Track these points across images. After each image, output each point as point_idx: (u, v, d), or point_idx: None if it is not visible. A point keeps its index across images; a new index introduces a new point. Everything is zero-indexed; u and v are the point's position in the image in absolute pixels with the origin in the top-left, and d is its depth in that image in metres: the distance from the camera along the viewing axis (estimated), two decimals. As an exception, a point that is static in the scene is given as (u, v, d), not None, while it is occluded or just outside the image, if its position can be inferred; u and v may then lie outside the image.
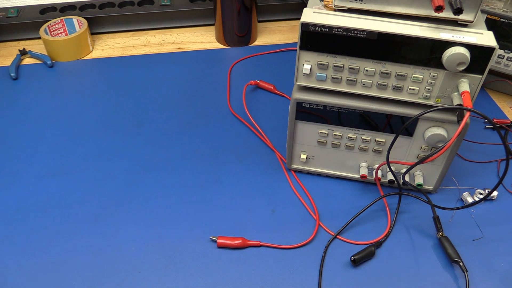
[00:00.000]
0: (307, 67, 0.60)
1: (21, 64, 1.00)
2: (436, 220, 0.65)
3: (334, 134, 0.68)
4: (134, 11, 1.08)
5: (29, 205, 0.70)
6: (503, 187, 0.73)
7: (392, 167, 0.65)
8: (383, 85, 0.60)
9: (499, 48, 0.84)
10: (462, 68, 0.55)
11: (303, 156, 0.71)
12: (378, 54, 0.57)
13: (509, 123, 0.83)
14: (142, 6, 1.10)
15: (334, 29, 0.56)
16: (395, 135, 0.60)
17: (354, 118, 0.65)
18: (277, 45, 1.05)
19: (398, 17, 0.57)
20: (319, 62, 0.59)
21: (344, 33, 0.56)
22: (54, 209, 0.69)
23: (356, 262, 0.62)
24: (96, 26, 1.08)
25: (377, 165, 0.69)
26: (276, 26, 1.13)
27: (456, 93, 0.58)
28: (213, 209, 0.69)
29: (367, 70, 0.59)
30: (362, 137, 0.67)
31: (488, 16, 0.82)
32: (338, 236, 0.66)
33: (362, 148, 0.68)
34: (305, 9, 0.59)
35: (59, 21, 1.01)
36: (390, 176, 0.68)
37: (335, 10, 0.59)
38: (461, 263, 0.60)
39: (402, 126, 0.61)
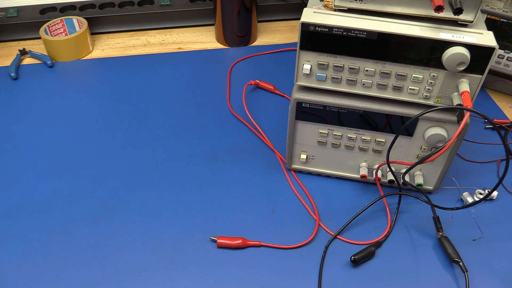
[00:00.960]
0: (307, 67, 0.60)
1: (21, 64, 1.00)
2: (436, 220, 0.65)
3: (334, 134, 0.68)
4: (134, 11, 1.08)
5: (29, 205, 0.70)
6: (503, 187, 0.73)
7: (392, 167, 0.65)
8: (383, 85, 0.60)
9: (499, 48, 0.84)
10: (462, 68, 0.55)
11: (303, 156, 0.71)
12: (378, 54, 0.57)
13: (509, 123, 0.83)
14: (142, 6, 1.10)
15: (334, 29, 0.56)
16: (395, 135, 0.60)
17: (354, 118, 0.65)
18: (277, 45, 1.05)
19: (398, 17, 0.57)
20: (319, 62, 0.59)
21: (344, 33, 0.56)
22: (54, 209, 0.69)
23: (356, 262, 0.62)
24: (96, 26, 1.08)
25: (377, 165, 0.69)
26: (276, 26, 1.13)
27: (456, 93, 0.58)
28: (213, 209, 0.69)
29: (367, 70, 0.59)
30: (362, 137, 0.67)
31: (488, 16, 0.82)
32: (338, 236, 0.66)
33: (362, 148, 0.68)
34: (305, 9, 0.59)
35: (59, 21, 1.01)
36: (390, 176, 0.68)
37: (335, 10, 0.59)
38: (461, 263, 0.60)
39: (402, 126, 0.61)
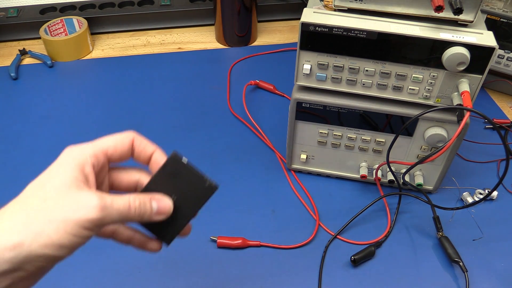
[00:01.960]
0: (307, 67, 0.60)
1: (21, 64, 1.00)
2: (436, 220, 0.65)
3: (334, 134, 0.68)
4: (134, 11, 1.08)
5: (29, 205, 0.70)
6: (503, 187, 0.73)
7: (392, 167, 0.65)
8: (383, 85, 0.60)
9: (499, 48, 0.84)
10: (462, 68, 0.55)
11: (303, 156, 0.71)
12: (378, 54, 0.57)
13: (509, 123, 0.83)
14: (142, 6, 1.10)
15: (334, 29, 0.56)
16: (395, 135, 0.60)
17: (354, 118, 0.65)
18: (277, 45, 1.05)
19: (398, 17, 0.57)
20: (319, 62, 0.59)
21: (344, 33, 0.56)
22: (54, 209, 0.69)
23: (356, 262, 0.62)
24: (96, 26, 1.08)
25: (377, 165, 0.69)
26: (276, 26, 1.13)
27: (456, 93, 0.58)
28: (213, 209, 0.69)
29: (367, 70, 0.59)
30: (362, 137, 0.67)
31: (488, 16, 0.82)
32: (338, 236, 0.66)
33: (362, 148, 0.68)
34: (305, 9, 0.59)
35: (59, 21, 1.01)
36: (390, 176, 0.68)
37: (335, 10, 0.59)
38: (461, 263, 0.60)
39: (402, 126, 0.61)
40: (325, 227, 0.67)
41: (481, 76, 0.56)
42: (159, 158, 0.41)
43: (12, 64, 0.97)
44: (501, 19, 0.81)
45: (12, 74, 0.94)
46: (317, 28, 0.56)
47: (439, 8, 0.52)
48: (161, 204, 0.38)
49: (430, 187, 0.71)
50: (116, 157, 0.40)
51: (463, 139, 0.64)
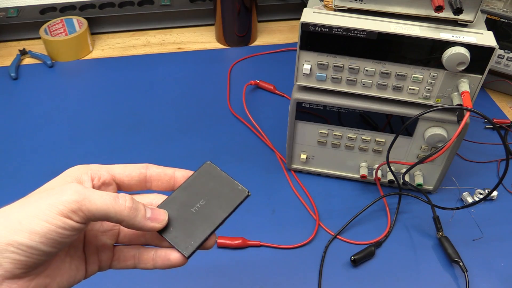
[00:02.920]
0: (307, 67, 0.60)
1: (21, 64, 1.00)
2: (436, 220, 0.65)
3: (334, 134, 0.68)
4: (134, 11, 1.08)
5: (29, 205, 0.70)
6: (503, 187, 0.73)
7: (392, 167, 0.65)
8: (383, 85, 0.60)
9: (499, 48, 0.84)
10: (462, 68, 0.55)
11: (303, 156, 0.71)
12: (378, 54, 0.57)
13: (509, 123, 0.83)
14: (142, 6, 1.10)
15: (334, 29, 0.56)
16: (395, 135, 0.60)
17: (354, 118, 0.65)
18: (277, 45, 1.05)
19: (398, 17, 0.57)
20: (319, 62, 0.59)
21: (344, 33, 0.56)
22: (54, 209, 0.69)
23: (356, 262, 0.62)
24: (96, 26, 1.08)
25: (377, 165, 0.69)
26: (276, 26, 1.13)
27: (456, 93, 0.58)
28: (213, 209, 0.69)
29: (367, 70, 0.59)
30: (362, 137, 0.67)
31: (488, 16, 0.82)
32: (338, 236, 0.66)
33: (362, 148, 0.68)
34: (305, 9, 0.59)
35: (59, 21, 1.01)
36: (390, 176, 0.68)
37: (335, 10, 0.59)
38: (461, 263, 0.60)
39: (402, 126, 0.61)
40: (325, 227, 0.67)
41: (481, 76, 0.56)
42: (181, 175, 0.40)
43: (12, 64, 0.97)
44: (501, 19, 0.81)
45: (12, 74, 0.94)
46: (317, 28, 0.56)
47: (439, 8, 0.52)
48: (155, 212, 0.37)
49: (430, 187, 0.71)
50: (124, 178, 0.38)
51: (463, 139, 0.64)
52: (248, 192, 0.40)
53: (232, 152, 0.79)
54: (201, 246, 0.37)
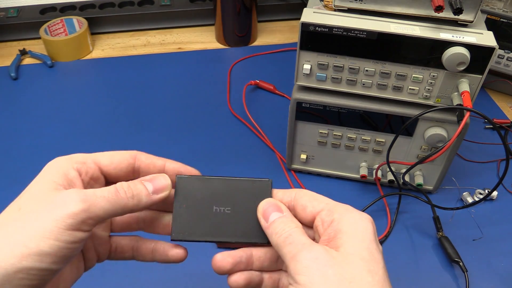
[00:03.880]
0: (307, 67, 0.60)
1: (21, 64, 1.00)
2: (436, 220, 0.65)
3: (334, 134, 0.68)
4: (134, 11, 1.08)
5: (29, 205, 0.70)
6: (503, 187, 0.73)
7: (392, 167, 0.65)
8: (383, 85, 0.60)
9: (499, 48, 0.84)
10: (462, 68, 0.55)
11: (303, 156, 0.71)
12: (378, 54, 0.57)
13: (509, 123, 0.83)
14: (142, 6, 1.10)
15: (334, 29, 0.56)
16: (395, 135, 0.60)
17: (354, 118, 0.65)
18: (277, 45, 1.05)
19: (398, 17, 0.57)
20: (319, 62, 0.59)
21: (344, 33, 0.56)
22: (54, 209, 0.69)
23: (356, 262, 0.61)
24: (96, 26, 1.08)
25: (377, 165, 0.69)
26: (276, 26, 1.13)
27: (456, 93, 0.58)
28: (213, 209, 0.69)
29: (367, 70, 0.59)
30: (362, 137, 0.67)
31: (488, 16, 0.82)
32: (338, 236, 0.66)
33: (362, 148, 0.68)
34: (305, 9, 0.59)
35: (59, 21, 1.01)
36: (390, 176, 0.68)
37: (335, 10, 0.59)
38: (461, 263, 0.60)
39: (402, 126, 0.61)
40: (325, 227, 0.67)
41: (481, 76, 0.56)
42: (172, 167, 0.38)
43: (12, 64, 0.97)
44: (501, 19, 0.81)
45: (12, 74, 0.94)
46: (317, 28, 0.56)
47: (439, 8, 0.52)
48: (156, 182, 0.34)
49: (430, 187, 0.71)
50: (111, 170, 0.35)
51: (463, 139, 0.64)
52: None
53: (232, 152, 0.79)
54: (193, 242, 0.37)
